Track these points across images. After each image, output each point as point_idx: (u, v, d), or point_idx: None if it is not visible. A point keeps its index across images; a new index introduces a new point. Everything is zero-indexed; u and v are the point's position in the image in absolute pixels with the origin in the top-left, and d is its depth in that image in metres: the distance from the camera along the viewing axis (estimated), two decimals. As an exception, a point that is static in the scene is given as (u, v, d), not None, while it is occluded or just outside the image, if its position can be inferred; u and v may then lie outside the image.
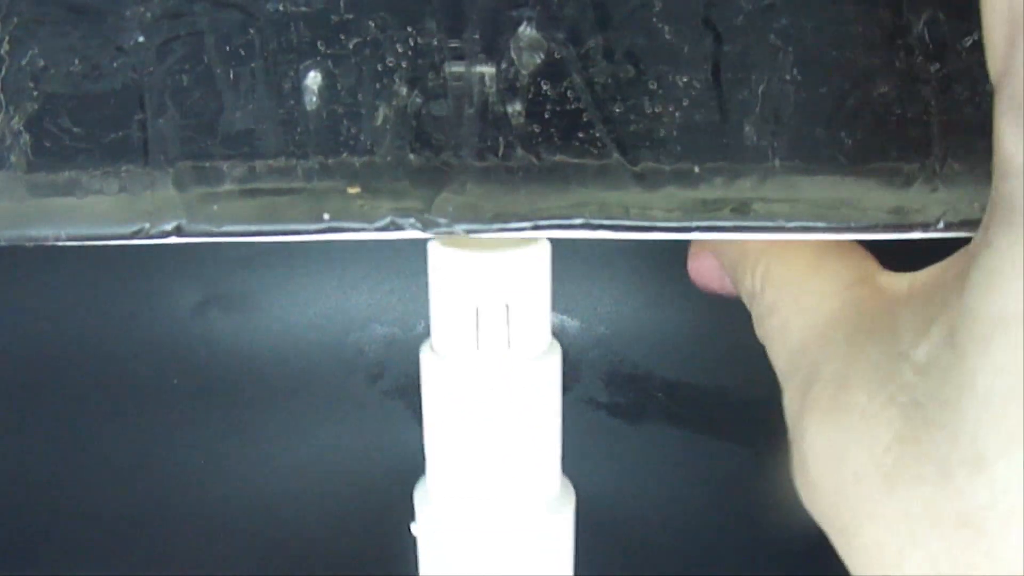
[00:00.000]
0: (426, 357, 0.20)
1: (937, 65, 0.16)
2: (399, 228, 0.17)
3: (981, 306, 0.14)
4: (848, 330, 0.17)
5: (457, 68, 0.17)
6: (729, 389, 0.35)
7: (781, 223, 0.17)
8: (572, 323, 0.37)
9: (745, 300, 0.20)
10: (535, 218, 0.17)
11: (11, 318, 0.36)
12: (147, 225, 0.17)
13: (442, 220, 0.17)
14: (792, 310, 0.19)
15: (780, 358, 0.19)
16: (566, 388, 0.38)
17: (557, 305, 0.37)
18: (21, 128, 0.17)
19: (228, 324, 0.36)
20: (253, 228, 0.17)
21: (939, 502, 0.15)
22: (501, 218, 0.17)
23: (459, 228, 0.17)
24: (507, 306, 0.19)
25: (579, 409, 0.37)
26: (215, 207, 0.17)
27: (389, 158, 0.17)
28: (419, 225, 0.17)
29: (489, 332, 0.19)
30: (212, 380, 0.36)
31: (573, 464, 0.37)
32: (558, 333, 0.38)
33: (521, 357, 0.20)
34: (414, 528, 0.21)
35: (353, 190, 0.17)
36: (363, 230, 0.17)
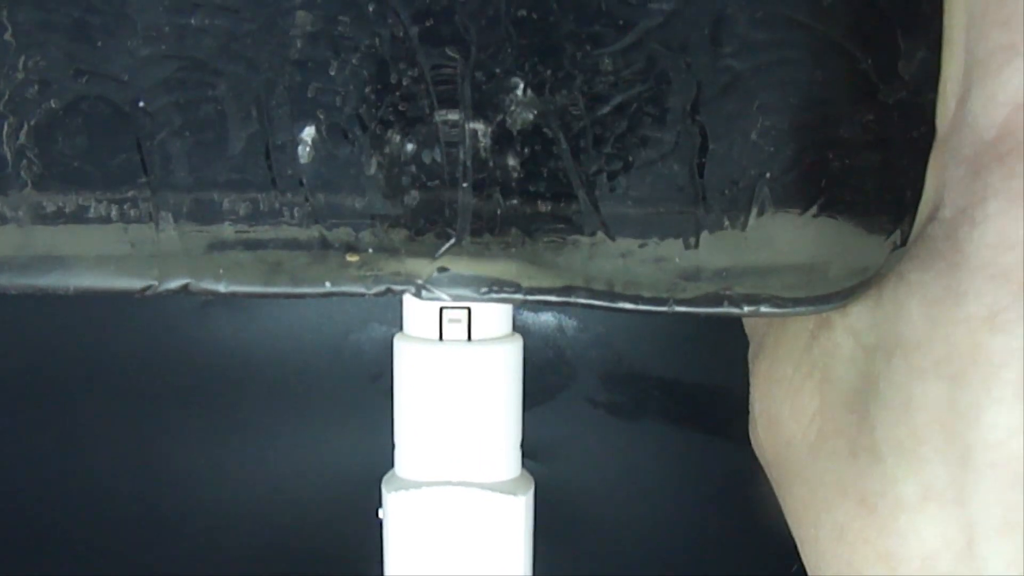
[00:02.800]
0: (398, 344, 0.22)
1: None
2: (395, 294, 0.18)
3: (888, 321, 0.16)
4: None
5: (453, 116, 0.17)
6: (728, 388, 0.36)
7: (755, 309, 0.17)
8: (570, 322, 0.38)
9: None
10: (524, 292, 0.17)
11: (10, 318, 0.36)
12: (155, 283, 0.18)
13: (436, 291, 0.17)
14: None
15: (746, 327, 0.21)
16: (563, 387, 0.39)
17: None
18: (27, 148, 0.17)
19: (229, 324, 0.36)
20: (258, 289, 0.18)
21: (846, 478, 0.17)
22: (494, 290, 0.17)
23: (451, 295, 0.18)
24: (469, 309, 0.21)
25: (577, 408, 0.37)
26: (221, 270, 0.18)
27: (386, 221, 0.17)
28: (414, 292, 0.18)
29: (451, 330, 0.21)
30: (212, 380, 0.36)
31: (572, 463, 0.38)
32: (558, 333, 0.38)
33: (480, 349, 0.22)
34: (380, 513, 0.23)
35: (352, 258, 0.18)
36: (362, 294, 0.18)
